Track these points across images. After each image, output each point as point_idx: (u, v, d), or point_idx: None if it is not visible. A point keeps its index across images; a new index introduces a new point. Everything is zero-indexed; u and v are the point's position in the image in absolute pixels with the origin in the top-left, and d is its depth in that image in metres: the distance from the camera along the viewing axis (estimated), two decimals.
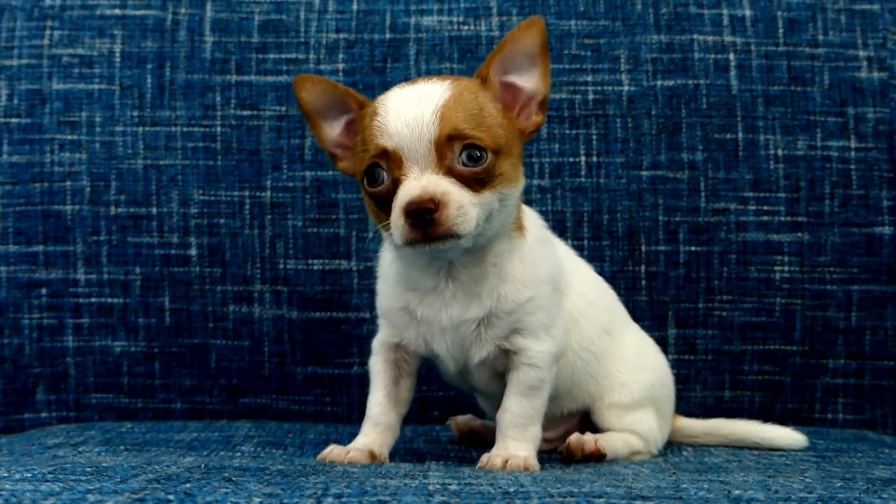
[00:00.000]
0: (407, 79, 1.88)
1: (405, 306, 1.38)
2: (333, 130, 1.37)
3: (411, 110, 1.25)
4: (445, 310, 1.35)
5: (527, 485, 1.12)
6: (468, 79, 1.33)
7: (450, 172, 1.25)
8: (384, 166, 1.26)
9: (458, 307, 1.35)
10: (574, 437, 1.42)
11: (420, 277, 1.36)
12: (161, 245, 1.88)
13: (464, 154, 1.25)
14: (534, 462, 1.32)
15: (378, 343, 1.43)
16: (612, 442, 1.45)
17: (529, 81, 1.34)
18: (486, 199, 1.27)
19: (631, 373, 1.51)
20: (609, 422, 1.49)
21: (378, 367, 1.42)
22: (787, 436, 1.59)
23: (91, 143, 1.90)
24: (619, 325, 1.55)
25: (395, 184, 1.25)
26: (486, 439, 1.56)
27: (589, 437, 1.43)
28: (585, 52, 1.91)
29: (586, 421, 1.52)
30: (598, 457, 1.41)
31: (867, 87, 1.90)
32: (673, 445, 1.61)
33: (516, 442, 1.34)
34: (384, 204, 1.27)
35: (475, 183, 1.25)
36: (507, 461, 1.30)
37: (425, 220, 1.22)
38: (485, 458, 1.33)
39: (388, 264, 1.41)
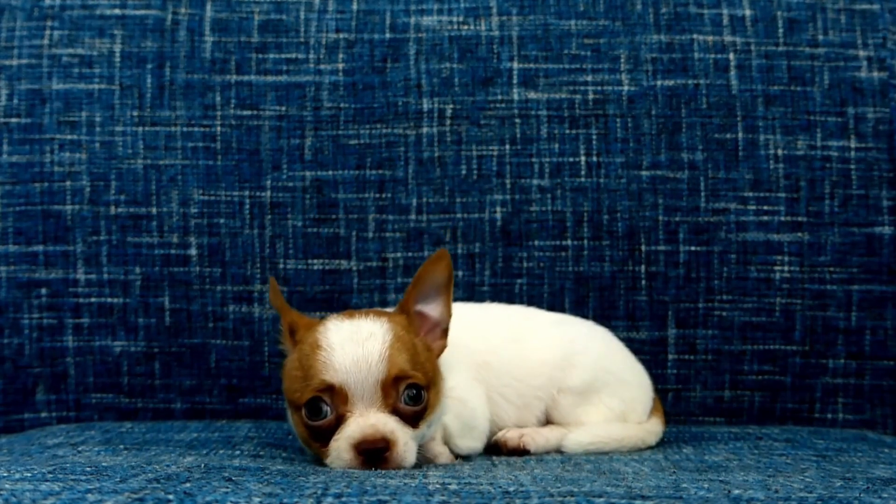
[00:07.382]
0: (407, 79, 1.90)
1: None
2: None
3: (358, 349, 1.29)
4: None
5: (527, 484, 1.12)
6: (396, 314, 1.38)
7: (394, 411, 1.30)
8: (328, 401, 1.30)
9: None
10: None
11: None
12: (161, 245, 1.88)
13: (405, 394, 1.31)
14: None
15: None
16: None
17: (436, 311, 1.42)
18: (421, 432, 1.34)
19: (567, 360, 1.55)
20: (565, 412, 1.54)
21: None
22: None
23: (91, 143, 1.90)
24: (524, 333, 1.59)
25: (339, 419, 1.29)
26: None
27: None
28: (585, 52, 1.91)
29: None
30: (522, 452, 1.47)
31: (867, 87, 1.90)
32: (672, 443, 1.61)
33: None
34: (321, 435, 1.31)
35: (413, 419, 1.32)
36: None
37: (377, 457, 1.27)
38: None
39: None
